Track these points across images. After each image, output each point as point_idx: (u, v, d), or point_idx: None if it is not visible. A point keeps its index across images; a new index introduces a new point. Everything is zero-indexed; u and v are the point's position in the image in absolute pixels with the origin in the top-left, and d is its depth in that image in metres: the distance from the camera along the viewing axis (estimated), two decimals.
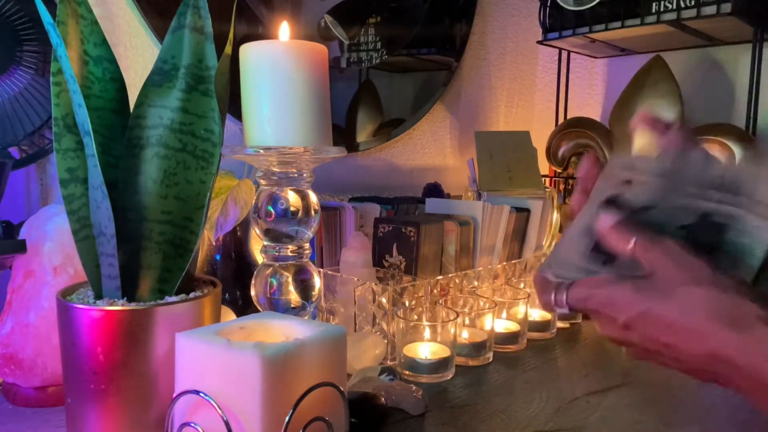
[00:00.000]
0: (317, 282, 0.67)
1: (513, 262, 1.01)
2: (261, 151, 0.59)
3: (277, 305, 0.65)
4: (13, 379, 0.62)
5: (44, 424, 0.58)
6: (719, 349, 0.36)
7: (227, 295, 0.81)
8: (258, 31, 1.02)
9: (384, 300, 0.77)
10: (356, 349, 0.72)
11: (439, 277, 0.86)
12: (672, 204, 0.41)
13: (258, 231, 0.65)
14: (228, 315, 0.71)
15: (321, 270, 0.85)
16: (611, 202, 0.42)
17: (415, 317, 0.77)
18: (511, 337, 0.85)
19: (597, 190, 0.45)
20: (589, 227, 0.43)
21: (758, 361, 0.35)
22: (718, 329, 0.36)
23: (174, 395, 0.46)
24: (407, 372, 0.73)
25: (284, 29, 0.61)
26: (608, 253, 0.42)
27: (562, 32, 1.27)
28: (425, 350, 0.74)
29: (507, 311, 0.88)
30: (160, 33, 0.89)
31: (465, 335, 0.79)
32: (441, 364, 0.72)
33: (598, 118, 1.46)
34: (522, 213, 1.02)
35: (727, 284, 0.37)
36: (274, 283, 0.65)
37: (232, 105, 0.59)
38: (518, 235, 1.03)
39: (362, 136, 1.24)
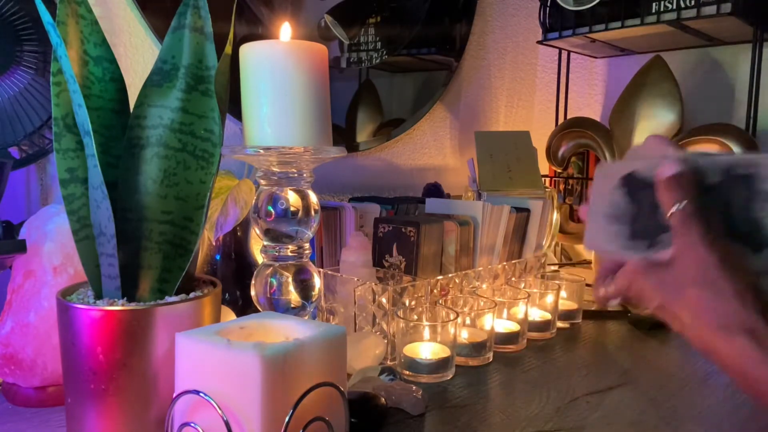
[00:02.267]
0: (317, 282, 0.66)
1: (513, 262, 1.01)
2: (261, 151, 0.59)
3: (277, 305, 0.65)
4: (13, 379, 0.62)
5: (44, 424, 0.58)
6: (711, 351, 0.41)
7: (227, 295, 0.81)
8: (258, 31, 1.02)
9: (384, 300, 0.77)
10: (356, 349, 0.72)
11: (439, 277, 0.86)
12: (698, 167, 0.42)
13: (258, 231, 0.65)
14: (228, 315, 0.71)
15: (321, 270, 0.85)
16: (628, 179, 0.44)
17: (415, 317, 0.77)
18: (511, 337, 0.85)
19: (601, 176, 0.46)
20: (614, 215, 0.45)
21: (742, 367, 0.39)
22: (711, 333, 0.40)
23: (174, 395, 0.46)
24: (407, 372, 0.73)
25: (285, 29, 0.61)
26: (643, 232, 0.44)
27: (562, 32, 1.27)
28: (425, 350, 0.74)
29: (507, 311, 0.88)
30: (160, 33, 0.89)
31: (465, 335, 0.79)
32: (441, 364, 0.72)
33: (598, 118, 1.46)
34: (522, 213, 1.02)
35: (732, 289, 0.40)
36: (274, 283, 0.65)
37: (232, 105, 0.59)
38: (518, 235, 1.03)
39: (362, 136, 1.24)
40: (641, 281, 0.44)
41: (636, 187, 0.44)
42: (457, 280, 0.89)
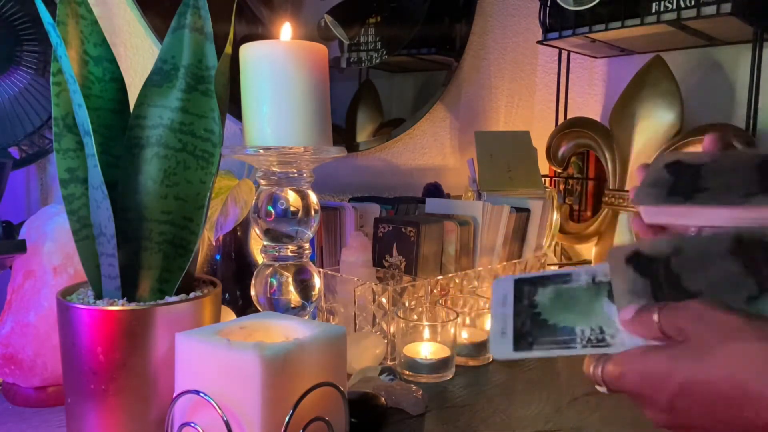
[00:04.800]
0: (317, 282, 0.67)
1: (513, 262, 1.01)
2: (261, 151, 0.59)
3: (277, 305, 0.65)
4: (13, 379, 0.62)
5: (44, 424, 0.58)
6: None
7: (227, 295, 0.81)
8: (258, 31, 1.02)
9: (384, 300, 0.77)
10: (356, 349, 0.72)
11: (439, 277, 0.86)
12: (699, 238, 0.37)
13: (258, 231, 0.65)
14: (228, 315, 0.71)
15: (321, 270, 0.85)
16: (633, 257, 0.39)
17: (415, 317, 0.77)
18: None
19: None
20: (633, 291, 0.38)
21: None
22: None
23: (174, 395, 0.46)
24: (407, 372, 0.73)
25: (286, 30, 0.61)
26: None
27: (562, 32, 1.27)
28: (425, 350, 0.74)
29: None
30: (160, 33, 0.89)
31: (465, 335, 0.79)
32: (441, 364, 0.72)
33: (598, 118, 1.46)
34: (522, 213, 1.02)
35: None
36: (274, 283, 0.65)
37: (232, 105, 0.59)
38: (518, 235, 1.03)
39: (362, 136, 1.24)
40: (641, 366, 0.34)
41: (645, 262, 0.39)
42: (457, 280, 0.89)
